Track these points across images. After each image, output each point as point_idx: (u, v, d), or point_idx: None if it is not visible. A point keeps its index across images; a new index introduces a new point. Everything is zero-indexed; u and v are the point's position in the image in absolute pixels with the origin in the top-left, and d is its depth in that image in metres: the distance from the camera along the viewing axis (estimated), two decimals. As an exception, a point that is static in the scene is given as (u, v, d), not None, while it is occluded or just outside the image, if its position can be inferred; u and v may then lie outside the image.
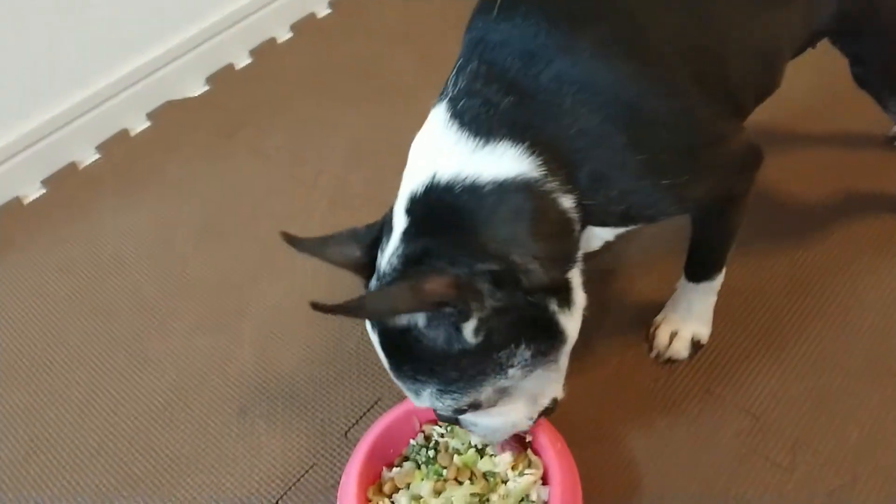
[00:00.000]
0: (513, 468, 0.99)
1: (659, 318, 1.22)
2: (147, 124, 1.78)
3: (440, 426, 1.05)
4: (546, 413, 0.97)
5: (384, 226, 0.89)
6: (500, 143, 0.82)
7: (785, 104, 1.20)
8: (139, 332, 1.36)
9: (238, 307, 1.37)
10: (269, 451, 1.17)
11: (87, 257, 1.50)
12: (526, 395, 0.91)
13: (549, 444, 0.99)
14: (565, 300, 0.87)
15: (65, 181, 1.68)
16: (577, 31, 0.84)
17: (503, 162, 0.82)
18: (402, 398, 1.14)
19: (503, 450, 1.02)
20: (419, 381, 0.84)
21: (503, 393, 0.88)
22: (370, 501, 1.00)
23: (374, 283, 0.88)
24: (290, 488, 1.13)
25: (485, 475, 1.00)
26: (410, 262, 0.82)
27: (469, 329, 0.80)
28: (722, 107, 0.94)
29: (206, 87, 1.85)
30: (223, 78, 1.86)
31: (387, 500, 1.00)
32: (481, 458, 1.02)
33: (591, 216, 0.88)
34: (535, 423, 0.97)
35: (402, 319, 0.81)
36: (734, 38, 0.93)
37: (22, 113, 1.63)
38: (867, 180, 1.41)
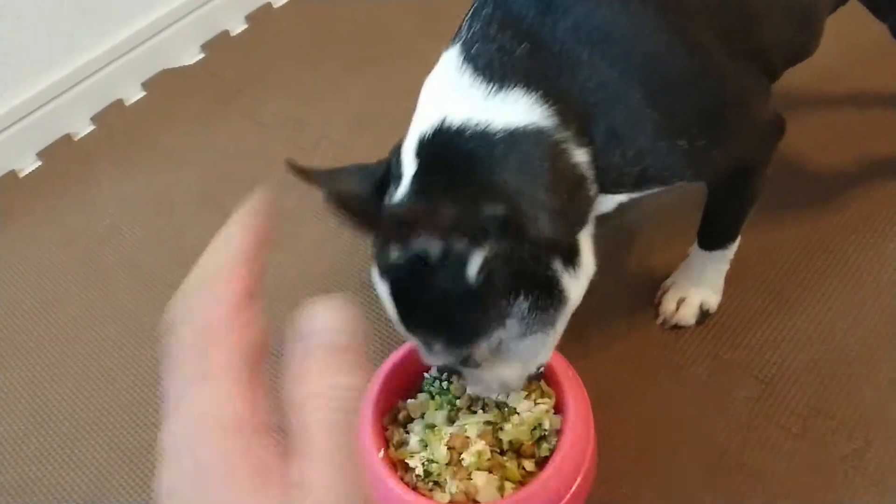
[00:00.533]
0: (526, 397, 0.99)
1: (668, 283, 1.19)
2: (142, 94, 1.74)
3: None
4: (535, 378, 0.97)
5: (389, 170, 0.88)
6: (514, 90, 0.80)
7: (801, 65, 1.16)
8: (137, 304, 1.34)
9: (237, 278, 1.35)
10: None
11: (84, 229, 1.48)
12: (520, 356, 0.89)
13: (562, 374, 0.99)
14: (571, 261, 0.85)
15: (60, 153, 1.65)
16: None
17: (516, 110, 0.80)
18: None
19: None
20: (429, 330, 0.84)
21: (499, 350, 0.86)
22: (386, 430, 1.01)
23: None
24: (291, 460, 1.11)
25: (497, 404, 1.00)
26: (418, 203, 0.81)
27: (473, 267, 0.78)
28: (749, 68, 0.90)
29: (202, 55, 1.81)
30: (218, 44, 1.82)
31: (402, 429, 1.01)
32: None
33: (607, 176, 0.85)
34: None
35: (416, 245, 0.78)
36: None
37: (15, 84, 1.60)
38: (884, 140, 1.37)
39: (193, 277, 0.40)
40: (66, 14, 1.61)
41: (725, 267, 1.16)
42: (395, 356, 1.05)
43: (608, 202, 0.92)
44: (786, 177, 1.30)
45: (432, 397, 1.03)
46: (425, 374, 1.05)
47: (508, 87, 0.80)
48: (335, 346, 0.38)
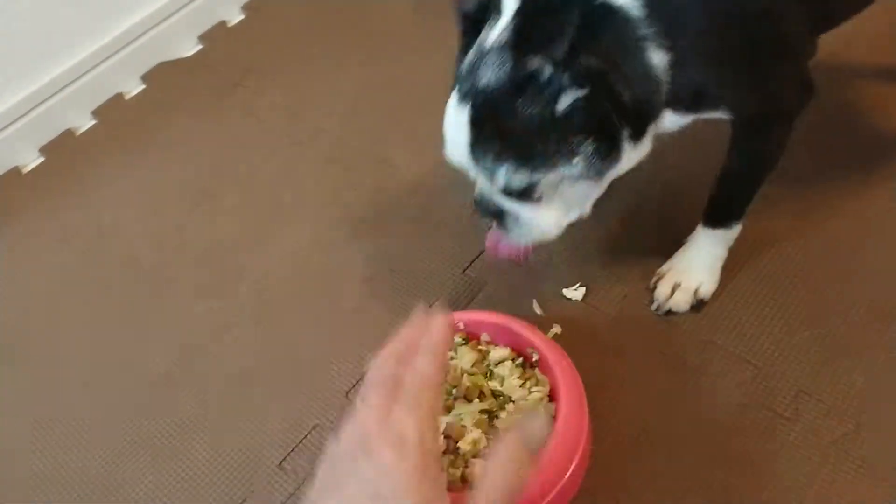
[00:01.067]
0: (521, 386, 1.02)
1: (663, 268, 1.20)
2: (141, 87, 1.76)
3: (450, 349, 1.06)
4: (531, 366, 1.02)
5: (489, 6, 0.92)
6: None
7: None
8: (139, 300, 1.36)
9: (236, 271, 1.37)
10: (271, 413, 1.18)
11: (85, 225, 1.50)
12: (567, 198, 0.97)
13: (556, 362, 1.02)
14: (635, 137, 0.92)
15: (62, 148, 1.67)
16: None
17: None
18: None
19: (497, 344, 1.07)
20: (501, 156, 0.89)
21: (556, 188, 0.94)
22: None
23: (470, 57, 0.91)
24: (293, 449, 1.13)
25: (493, 393, 1.02)
26: (521, 37, 0.86)
27: (564, 102, 0.85)
28: (811, 16, 0.96)
29: (199, 46, 1.81)
30: (216, 36, 1.82)
31: None
32: (489, 379, 1.05)
33: (670, 89, 0.90)
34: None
35: (527, 66, 0.84)
36: None
37: (16, 81, 1.62)
38: (879, 122, 1.36)
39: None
40: (64, 10, 1.62)
41: (723, 253, 1.17)
42: None
43: (665, 123, 0.97)
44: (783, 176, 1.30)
45: None
46: None
47: None
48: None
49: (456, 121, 0.91)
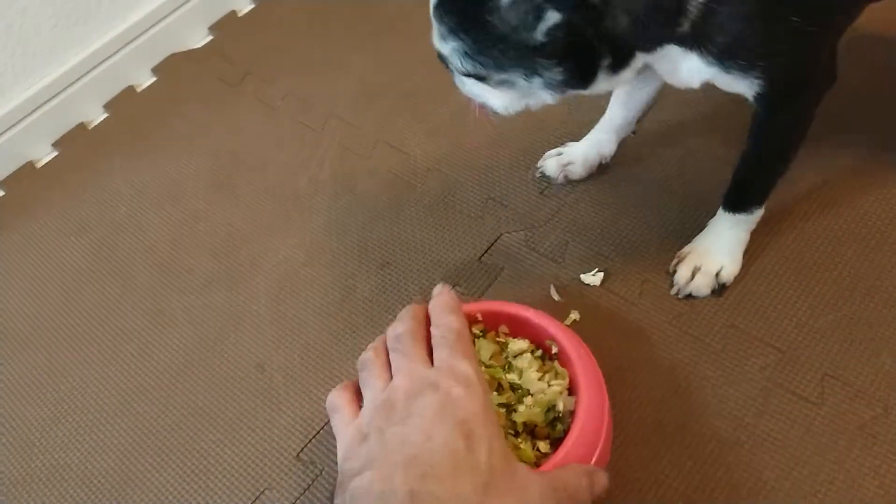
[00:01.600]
0: (539, 379, 0.99)
1: (684, 251, 1.18)
2: (153, 79, 1.75)
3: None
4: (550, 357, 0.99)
5: None
6: None
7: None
8: (155, 290, 1.36)
9: (251, 260, 1.36)
10: (288, 403, 1.17)
11: (100, 217, 1.50)
12: (520, 93, 0.95)
13: (575, 354, 0.99)
14: (616, 67, 0.88)
15: (75, 142, 1.67)
16: None
17: None
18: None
19: (515, 336, 1.04)
20: (457, 37, 0.87)
21: (504, 85, 0.93)
22: None
23: None
24: (310, 440, 1.13)
25: (511, 386, 0.99)
26: None
27: (544, 25, 0.81)
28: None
29: (210, 37, 1.80)
30: (226, 25, 1.81)
31: None
32: (508, 371, 1.02)
33: (701, 28, 0.85)
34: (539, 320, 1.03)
35: None
36: None
37: (27, 76, 1.61)
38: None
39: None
40: (73, 3, 1.61)
41: (746, 237, 1.15)
42: None
43: (684, 74, 0.93)
44: (806, 157, 1.27)
45: None
46: None
47: None
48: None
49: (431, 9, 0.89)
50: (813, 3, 0.89)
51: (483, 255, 1.27)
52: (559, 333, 1.01)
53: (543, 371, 1.00)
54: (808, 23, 0.87)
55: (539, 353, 1.03)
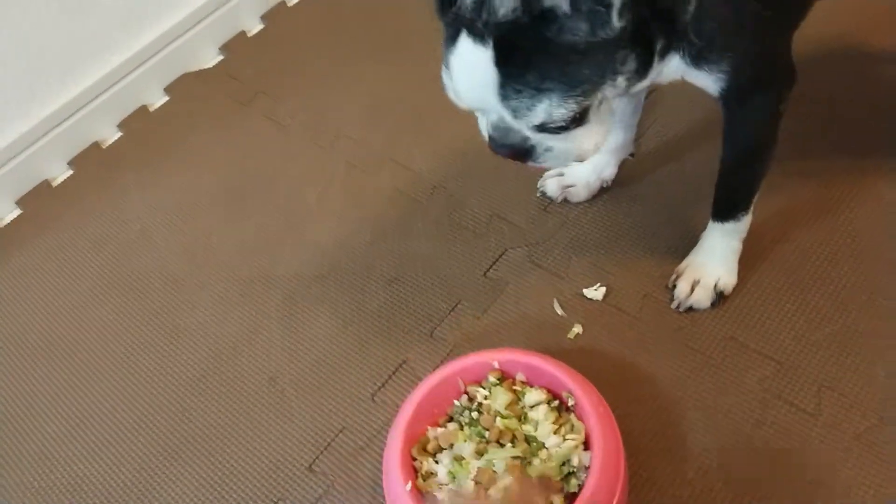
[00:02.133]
0: (555, 432, 1.00)
1: (681, 266, 1.21)
2: (165, 98, 1.79)
3: (483, 388, 1.06)
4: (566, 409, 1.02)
5: None
6: None
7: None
8: (170, 306, 1.39)
9: (263, 275, 1.40)
10: (300, 416, 1.20)
11: (115, 234, 1.54)
12: (603, 118, 0.93)
13: (592, 409, 0.99)
14: (663, 52, 0.91)
15: (90, 160, 1.71)
16: None
17: None
18: (441, 361, 1.18)
19: (532, 385, 1.05)
20: (543, 89, 0.83)
21: (598, 110, 0.91)
22: (415, 460, 1.02)
23: None
24: (321, 452, 1.16)
25: (527, 438, 1.00)
26: None
27: (615, 11, 0.80)
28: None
29: (220, 57, 1.84)
30: (236, 46, 1.85)
31: (430, 458, 1.02)
32: (523, 422, 1.02)
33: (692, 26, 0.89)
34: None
35: (545, 1, 0.79)
36: None
37: (43, 97, 1.66)
38: (884, 112, 1.37)
39: None
40: (88, 26, 1.65)
41: (738, 246, 1.18)
42: (428, 382, 1.06)
43: (669, 71, 0.96)
44: (796, 159, 1.30)
45: (461, 427, 1.04)
46: (455, 402, 1.07)
47: None
48: None
49: (471, 61, 0.84)
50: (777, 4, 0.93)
51: (488, 270, 1.31)
52: (576, 386, 1.01)
53: (559, 424, 1.00)
54: (766, 7, 0.92)
55: (555, 403, 1.03)
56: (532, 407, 1.03)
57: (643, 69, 0.89)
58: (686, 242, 1.23)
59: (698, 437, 1.06)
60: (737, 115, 1.04)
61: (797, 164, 1.30)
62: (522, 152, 0.95)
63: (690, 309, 1.18)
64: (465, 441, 1.02)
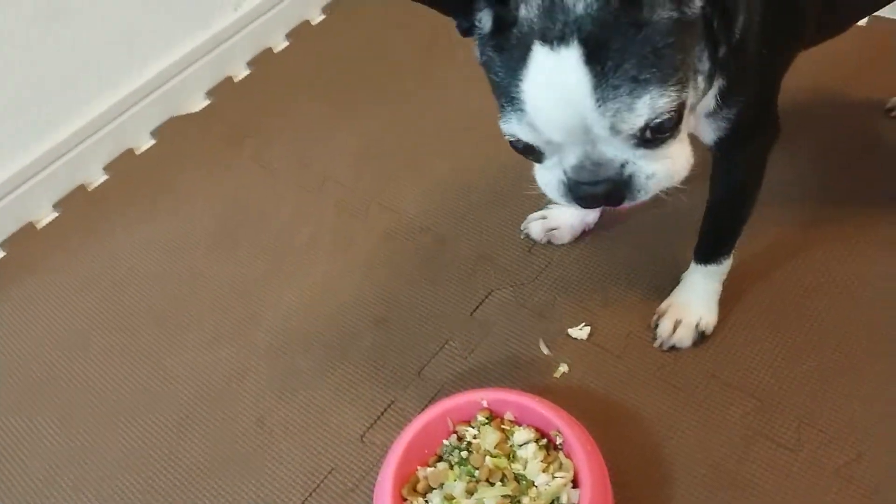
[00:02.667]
0: (544, 471, 1.01)
1: (663, 306, 1.25)
2: (152, 142, 1.81)
3: (472, 427, 1.08)
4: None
5: None
6: None
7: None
8: (158, 346, 1.40)
9: (251, 316, 1.41)
10: (289, 458, 1.21)
11: (102, 276, 1.54)
12: (685, 135, 0.85)
13: (580, 447, 1.01)
14: (718, 67, 0.87)
15: (76, 203, 1.71)
16: None
17: None
18: (429, 401, 1.19)
19: (520, 424, 1.07)
20: (641, 80, 0.74)
21: (685, 119, 0.82)
22: (405, 500, 1.03)
23: None
24: (310, 494, 1.16)
25: (516, 477, 1.02)
26: None
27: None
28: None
29: (208, 101, 1.88)
30: (223, 91, 1.89)
31: (421, 498, 1.03)
32: (513, 461, 1.04)
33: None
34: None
35: None
36: None
37: (29, 140, 1.67)
38: (867, 156, 1.43)
39: None
40: (76, 71, 1.68)
41: (719, 287, 1.22)
42: (417, 422, 1.08)
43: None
44: (773, 203, 1.35)
45: (451, 466, 1.05)
46: (444, 442, 1.08)
47: None
48: None
49: (556, 73, 0.74)
50: (776, 38, 0.95)
51: (475, 310, 1.33)
52: (564, 424, 1.04)
53: (548, 462, 1.02)
54: (772, 53, 0.94)
55: (544, 442, 1.05)
56: (521, 445, 1.05)
57: (711, 75, 0.83)
58: (669, 281, 1.26)
59: (683, 474, 1.09)
60: (729, 161, 1.07)
61: (775, 209, 1.35)
62: (621, 187, 0.83)
63: (673, 348, 1.21)
64: (455, 480, 1.03)
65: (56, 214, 1.71)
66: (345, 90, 1.82)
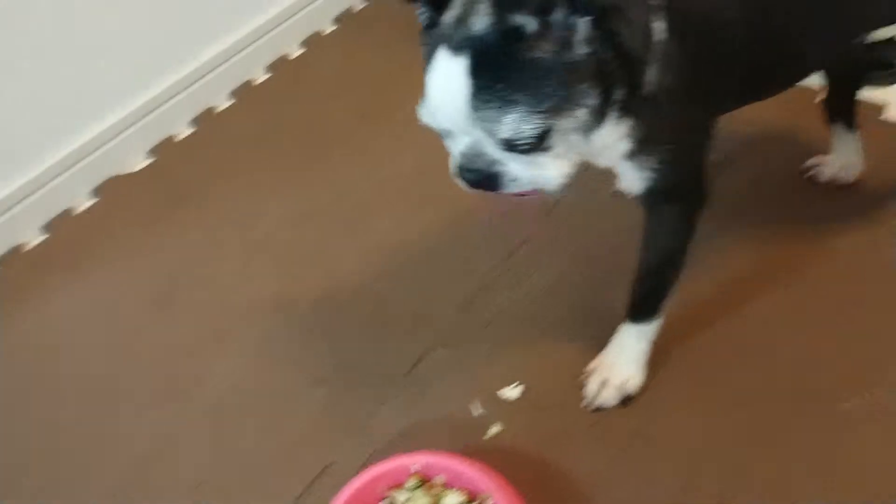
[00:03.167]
0: None
1: (591, 365, 1.28)
2: (92, 201, 1.81)
3: (404, 491, 1.10)
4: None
5: None
6: None
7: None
8: (91, 412, 1.38)
9: (190, 378, 1.40)
10: (225, 525, 1.20)
11: (34, 341, 1.52)
12: (567, 152, 0.95)
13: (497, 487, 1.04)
14: (619, 108, 0.95)
15: (10, 265, 1.69)
16: None
17: None
18: (363, 465, 1.19)
19: (452, 487, 1.08)
20: (511, 101, 0.87)
21: (563, 139, 0.92)
22: None
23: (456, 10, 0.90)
24: (246, 560, 1.16)
25: None
26: None
27: (580, 37, 0.86)
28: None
29: (149, 160, 1.88)
30: (165, 149, 1.90)
31: None
32: None
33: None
34: None
35: (516, 20, 0.85)
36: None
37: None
38: (781, 210, 1.51)
39: None
40: (14, 130, 1.68)
41: (647, 348, 1.26)
42: (349, 489, 1.09)
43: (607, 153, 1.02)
44: (702, 260, 1.41)
45: None
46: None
47: None
48: None
49: (448, 74, 0.88)
50: (693, 92, 1.01)
51: (410, 370, 1.36)
52: (494, 487, 1.06)
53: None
54: (704, 114, 1.04)
55: None
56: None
57: (600, 110, 0.92)
58: (603, 340, 1.29)
59: (613, 533, 1.11)
60: (656, 221, 1.13)
61: (702, 266, 1.40)
62: (489, 178, 0.96)
63: (599, 409, 1.24)
64: None
65: (-11, 276, 1.69)
66: (286, 151, 1.85)
